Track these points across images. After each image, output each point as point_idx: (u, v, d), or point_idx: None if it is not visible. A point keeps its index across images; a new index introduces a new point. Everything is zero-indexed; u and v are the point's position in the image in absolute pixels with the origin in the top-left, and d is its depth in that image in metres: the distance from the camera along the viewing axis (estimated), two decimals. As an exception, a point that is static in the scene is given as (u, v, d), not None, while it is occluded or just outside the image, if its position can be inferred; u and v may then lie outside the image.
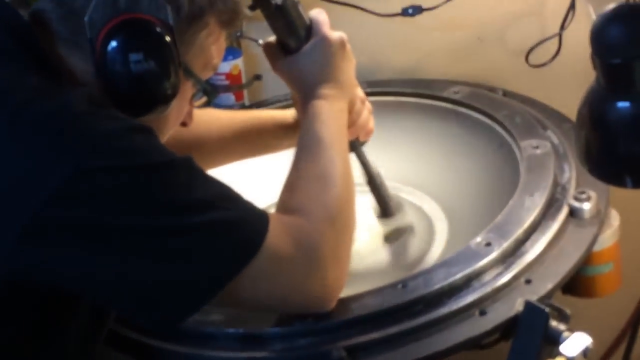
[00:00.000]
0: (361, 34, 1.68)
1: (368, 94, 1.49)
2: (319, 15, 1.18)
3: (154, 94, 0.98)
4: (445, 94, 1.52)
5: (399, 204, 1.36)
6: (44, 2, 1.00)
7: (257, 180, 1.45)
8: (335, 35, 1.16)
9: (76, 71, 0.98)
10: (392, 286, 1.05)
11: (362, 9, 1.64)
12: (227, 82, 1.77)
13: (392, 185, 1.40)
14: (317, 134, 1.10)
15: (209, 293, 0.92)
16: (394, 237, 1.35)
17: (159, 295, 0.91)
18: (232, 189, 0.97)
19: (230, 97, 1.78)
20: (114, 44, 0.94)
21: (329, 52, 1.16)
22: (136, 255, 0.89)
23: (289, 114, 1.34)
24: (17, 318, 0.94)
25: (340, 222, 1.03)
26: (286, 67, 1.18)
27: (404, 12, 1.63)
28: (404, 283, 1.04)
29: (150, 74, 0.96)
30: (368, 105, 1.28)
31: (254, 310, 1.03)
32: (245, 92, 1.82)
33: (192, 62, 1.02)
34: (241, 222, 0.94)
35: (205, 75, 1.06)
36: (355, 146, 1.27)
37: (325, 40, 1.15)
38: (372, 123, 1.29)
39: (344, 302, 1.03)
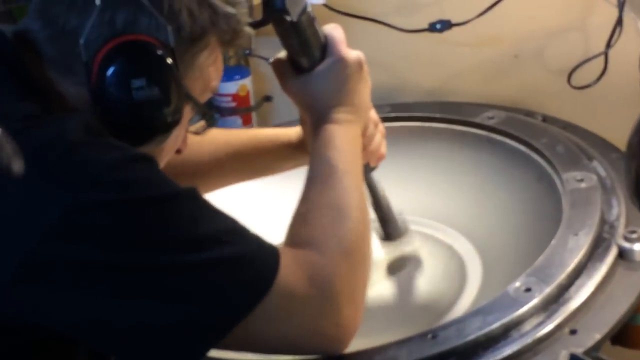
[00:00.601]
0: (384, 52, 1.71)
1: (392, 119, 1.50)
2: (334, 31, 1.19)
3: (156, 122, 0.99)
4: (478, 120, 1.52)
5: (405, 229, 1.37)
6: (31, 21, 1.01)
7: (260, 213, 1.46)
8: (352, 55, 1.18)
9: (67, 95, 0.99)
10: (421, 336, 1.04)
11: (385, 24, 1.66)
12: (233, 104, 1.79)
13: (419, 220, 1.41)
14: (331, 162, 1.11)
15: (216, 336, 0.93)
16: (398, 267, 1.36)
17: (162, 339, 0.92)
18: (239, 221, 0.98)
19: (237, 121, 1.80)
20: (113, 68, 0.95)
21: (345, 73, 1.17)
22: (138, 296, 0.90)
23: (292, 133, 1.35)
24: None
25: (355, 257, 1.04)
26: (298, 87, 1.19)
27: (432, 28, 1.65)
28: (434, 333, 1.04)
29: (153, 101, 0.97)
30: (381, 128, 1.30)
31: (262, 353, 1.04)
32: (253, 115, 1.83)
33: (191, 85, 1.03)
34: (251, 258, 0.95)
35: (203, 98, 1.08)
36: (365, 171, 1.28)
37: (342, 61, 1.17)
38: (384, 148, 1.30)
39: (367, 354, 1.03)
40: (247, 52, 1.69)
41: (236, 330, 0.93)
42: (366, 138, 1.24)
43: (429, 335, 1.04)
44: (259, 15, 1.13)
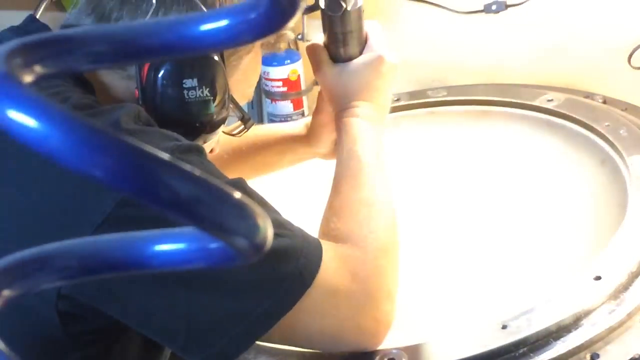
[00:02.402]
0: (439, 34, 1.71)
1: (449, 103, 1.51)
2: (375, 28, 1.22)
3: (204, 121, 1.03)
4: (537, 103, 1.53)
5: None
6: (82, 14, 1.04)
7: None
8: (392, 56, 1.21)
9: (113, 88, 1.03)
10: (490, 326, 1.06)
11: (440, 5, 1.67)
12: (284, 89, 1.80)
13: (478, 206, 1.41)
14: (361, 158, 1.14)
15: (261, 328, 0.94)
16: None
17: (207, 329, 0.94)
18: (281, 214, 1.01)
19: (288, 106, 1.82)
20: (166, 67, 0.99)
21: (381, 71, 1.21)
22: (186, 286, 0.92)
23: (289, 127, 1.40)
24: (69, 354, 0.98)
25: (391, 254, 1.07)
26: (332, 76, 1.22)
27: (487, 9, 1.65)
28: (504, 323, 1.05)
29: (203, 102, 1.00)
30: None
31: (303, 347, 1.06)
32: (304, 100, 1.85)
33: (233, 87, 1.07)
34: (297, 250, 0.96)
35: (242, 101, 1.13)
36: None
37: (381, 59, 1.20)
38: None
39: (435, 345, 1.05)
40: (300, 37, 1.71)
41: (280, 323, 0.94)
42: None
43: (499, 326, 1.05)
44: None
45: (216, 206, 0.31)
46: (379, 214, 1.09)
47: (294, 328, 0.97)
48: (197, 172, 0.31)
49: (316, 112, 1.31)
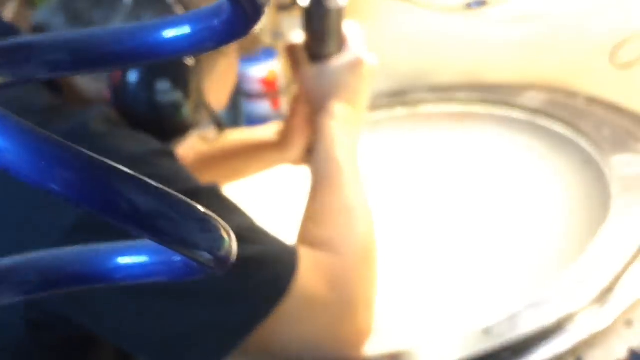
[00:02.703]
0: (418, 31, 1.70)
1: (429, 101, 1.51)
2: (355, 29, 1.22)
3: (175, 125, 1.02)
4: (518, 102, 1.53)
5: None
6: (53, 15, 1.03)
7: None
8: (371, 58, 1.22)
9: (83, 89, 1.02)
10: (473, 331, 1.05)
11: (417, 3, 1.66)
12: (262, 88, 1.79)
13: (459, 209, 1.41)
14: (339, 161, 1.14)
15: (236, 337, 0.94)
16: None
17: (181, 340, 0.93)
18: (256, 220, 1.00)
19: (265, 106, 1.81)
20: (137, 69, 0.98)
21: (360, 72, 1.21)
22: (157, 295, 0.91)
23: (258, 134, 1.39)
24: None
25: (370, 261, 1.06)
26: (312, 76, 1.23)
27: (467, 6, 1.65)
28: (486, 327, 1.05)
29: (175, 105, 1.00)
30: None
31: (279, 357, 1.04)
32: (282, 101, 1.84)
33: (207, 91, 1.06)
34: (271, 258, 0.96)
35: (217, 108, 1.12)
36: None
37: (360, 61, 1.21)
38: None
39: (417, 351, 1.04)
40: (277, 35, 1.70)
41: (256, 333, 0.94)
42: None
43: (481, 330, 1.05)
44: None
45: (177, 220, 0.30)
46: (358, 219, 1.08)
47: (270, 338, 0.96)
48: (157, 185, 0.31)
49: (289, 117, 1.31)
